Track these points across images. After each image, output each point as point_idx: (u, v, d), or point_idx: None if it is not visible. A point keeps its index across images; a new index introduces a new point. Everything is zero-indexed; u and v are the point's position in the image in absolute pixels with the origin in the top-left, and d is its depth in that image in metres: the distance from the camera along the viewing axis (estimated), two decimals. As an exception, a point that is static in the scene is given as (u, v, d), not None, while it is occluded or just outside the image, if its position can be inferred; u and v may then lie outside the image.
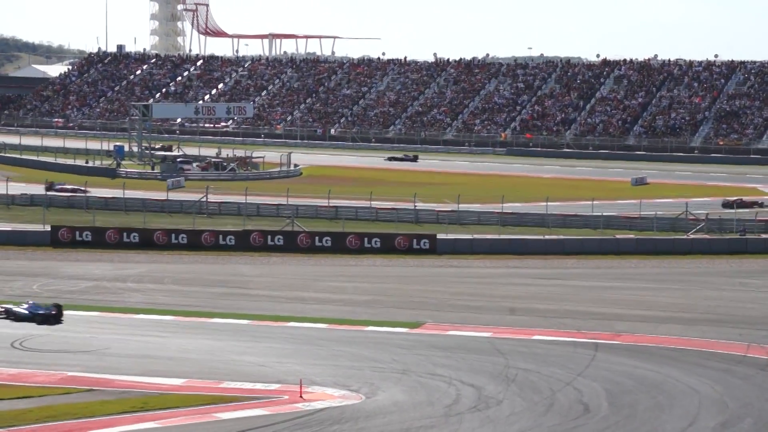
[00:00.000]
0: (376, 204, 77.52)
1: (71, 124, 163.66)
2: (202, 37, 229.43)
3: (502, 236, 67.32)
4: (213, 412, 32.57)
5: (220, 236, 65.94)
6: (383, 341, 41.71)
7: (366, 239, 65.33)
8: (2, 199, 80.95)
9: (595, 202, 75.52)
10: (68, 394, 34.37)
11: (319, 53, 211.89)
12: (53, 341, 41.51)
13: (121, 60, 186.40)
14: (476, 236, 67.55)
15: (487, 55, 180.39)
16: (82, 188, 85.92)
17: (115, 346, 40.66)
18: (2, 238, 66.10)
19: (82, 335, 42.56)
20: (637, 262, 62.11)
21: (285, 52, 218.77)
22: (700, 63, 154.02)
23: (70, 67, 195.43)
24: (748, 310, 48.39)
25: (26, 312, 44.79)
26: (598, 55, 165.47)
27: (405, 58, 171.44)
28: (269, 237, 65.80)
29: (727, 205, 79.84)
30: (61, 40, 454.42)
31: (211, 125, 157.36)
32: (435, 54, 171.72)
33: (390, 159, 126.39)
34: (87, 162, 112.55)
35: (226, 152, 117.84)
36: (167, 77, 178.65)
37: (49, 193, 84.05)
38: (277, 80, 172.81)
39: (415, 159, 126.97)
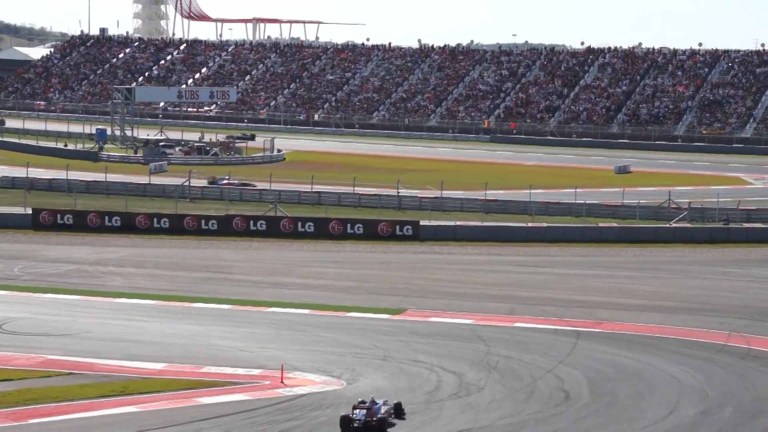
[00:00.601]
0: (359, 190, 77.43)
1: (53, 107, 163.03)
2: (186, 20, 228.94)
3: (485, 223, 67.31)
4: (194, 397, 32.47)
5: (203, 221, 65.76)
6: (365, 327, 41.67)
7: (349, 225, 65.25)
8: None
9: (578, 190, 75.58)
10: (48, 377, 34.22)
11: (303, 38, 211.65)
12: (33, 324, 41.31)
13: (103, 43, 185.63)
14: (459, 223, 67.53)
15: (472, 41, 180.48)
16: (250, 182, 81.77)
17: (96, 330, 40.52)
18: (-17, 221, 65.81)
19: (63, 318, 42.39)
20: (619, 251, 62.21)
21: (269, 37, 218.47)
22: (684, 51, 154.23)
23: (53, 50, 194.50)
24: (729, 299, 48.49)
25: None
26: (582, 43, 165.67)
27: (389, 44, 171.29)
28: (252, 222, 65.67)
29: None
30: (44, 23, 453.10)
31: (194, 109, 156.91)
32: (419, 40, 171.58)
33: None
34: (66, 145, 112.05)
35: (209, 137, 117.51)
36: (150, 61, 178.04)
37: (211, 186, 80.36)
38: (261, 65, 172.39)
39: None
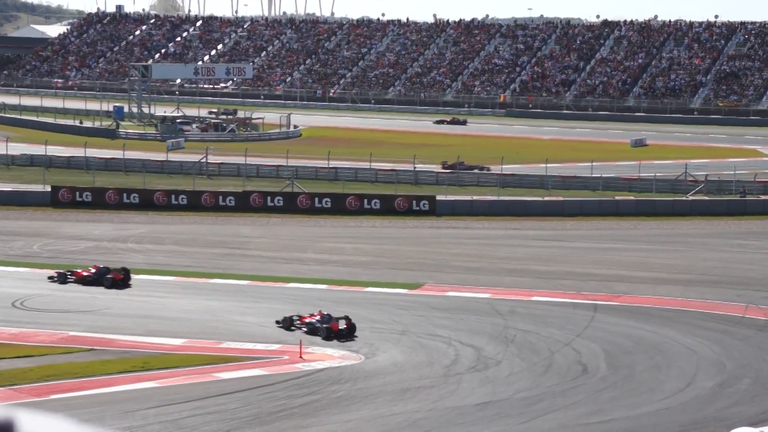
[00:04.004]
0: (375, 165, 77.49)
1: (70, 85, 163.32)
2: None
3: (502, 198, 67.35)
4: (213, 372, 32.72)
5: (220, 197, 65.96)
6: (383, 302, 41.84)
7: (365, 200, 65.34)
8: (2, 159, 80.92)
9: (594, 164, 75.50)
10: (69, 353, 34.53)
11: (318, 14, 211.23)
12: (54, 301, 41.62)
13: (120, 20, 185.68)
14: (475, 198, 67.58)
15: (487, 16, 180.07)
16: (485, 165, 78.70)
17: (116, 307, 40.79)
18: (2, 199, 66.11)
19: (83, 295, 42.65)
20: (636, 224, 62.18)
21: (284, 13, 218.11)
22: (700, 24, 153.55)
23: (69, 28, 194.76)
24: (746, 271, 48.50)
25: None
26: (598, 16, 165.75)
27: (406, 19, 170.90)
28: (269, 198, 65.82)
29: None
30: (60, 0, 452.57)
31: (211, 86, 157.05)
32: (435, 15, 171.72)
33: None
34: (82, 123, 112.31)
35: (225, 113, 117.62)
36: (166, 38, 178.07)
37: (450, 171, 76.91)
38: (277, 41, 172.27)
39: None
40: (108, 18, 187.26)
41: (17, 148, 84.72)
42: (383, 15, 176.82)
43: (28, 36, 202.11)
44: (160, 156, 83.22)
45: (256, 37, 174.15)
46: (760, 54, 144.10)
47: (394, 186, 70.89)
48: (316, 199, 65.65)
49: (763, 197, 68.96)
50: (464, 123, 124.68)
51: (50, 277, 44.59)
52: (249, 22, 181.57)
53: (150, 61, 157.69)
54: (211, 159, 79.67)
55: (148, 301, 41.98)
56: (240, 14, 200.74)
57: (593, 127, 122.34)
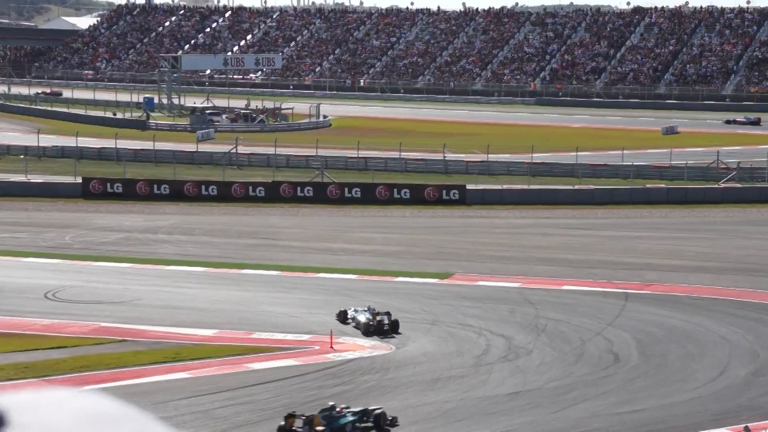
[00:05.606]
0: (405, 155, 77.39)
1: (101, 76, 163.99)
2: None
3: (532, 186, 67.14)
4: (244, 363, 32.79)
5: (250, 188, 66.04)
6: (413, 292, 41.80)
7: (395, 190, 65.27)
8: (34, 151, 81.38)
9: (625, 152, 75.15)
10: (101, 344, 34.69)
11: (347, 3, 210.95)
12: (86, 292, 41.81)
13: (149, 12, 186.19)
14: (506, 187, 67.39)
15: (516, 3, 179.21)
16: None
17: (147, 297, 40.92)
18: (34, 190, 66.55)
19: (114, 286, 42.84)
20: (667, 212, 61.86)
21: (313, 3, 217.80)
22: (732, 10, 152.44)
23: (99, 19, 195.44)
24: (779, 259, 48.17)
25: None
26: (628, 3, 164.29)
27: (437, 7, 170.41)
28: (299, 188, 65.86)
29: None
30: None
31: (240, 77, 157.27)
32: (464, 3, 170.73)
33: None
34: (114, 114, 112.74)
35: (255, 104, 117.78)
36: (196, 29, 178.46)
37: None
38: (306, 31, 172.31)
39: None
40: (138, 9, 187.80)
41: (48, 140, 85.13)
42: (412, 4, 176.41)
43: (59, 28, 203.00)
44: (190, 147, 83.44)
45: (285, 27, 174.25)
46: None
47: (424, 175, 70.80)
48: (346, 189, 65.63)
49: (795, 184, 68.36)
50: (758, 123, 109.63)
51: None
52: (278, 12, 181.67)
53: (179, 52, 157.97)
54: (241, 149, 79.81)
55: (179, 291, 42.10)
56: (269, 4, 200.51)
57: (624, 114, 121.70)
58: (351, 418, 26.08)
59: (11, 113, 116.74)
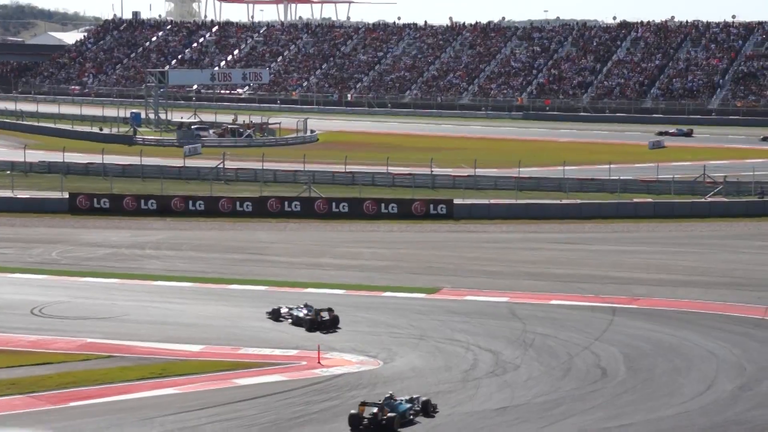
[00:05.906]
0: (392, 169, 77.48)
1: (87, 91, 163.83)
2: (217, 2, 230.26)
3: (519, 201, 67.22)
4: (231, 378, 32.70)
5: (237, 203, 66.02)
6: (400, 307, 41.78)
7: (383, 205, 65.32)
8: (20, 167, 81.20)
9: (612, 166, 75.29)
10: (88, 360, 34.56)
11: (334, 18, 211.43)
12: (72, 308, 41.68)
13: (136, 27, 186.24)
14: (493, 201, 67.49)
15: (503, 18, 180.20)
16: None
17: (134, 313, 40.83)
18: (21, 206, 66.36)
19: (101, 302, 42.71)
20: (654, 226, 61.99)
21: (300, 18, 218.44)
22: (717, 24, 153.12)
23: (86, 34, 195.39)
24: (766, 273, 48.26)
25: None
26: (614, 18, 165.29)
27: (425, 22, 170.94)
28: (286, 203, 65.86)
29: None
30: (77, 7, 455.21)
31: (227, 92, 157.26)
32: (451, 18, 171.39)
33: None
34: (101, 129, 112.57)
35: (242, 118, 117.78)
36: (182, 44, 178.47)
37: None
38: (293, 46, 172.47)
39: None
40: (124, 24, 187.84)
41: (35, 155, 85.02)
42: (399, 19, 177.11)
43: (45, 43, 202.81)
44: (177, 162, 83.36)
45: (273, 42, 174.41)
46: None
47: (412, 190, 70.86)
48: (334, 204, 65.65)
49: (782, 198, 68.54)
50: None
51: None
52: (265, 28, 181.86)
53: (166, 67, 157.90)
54: (228, 164, 79.79)
55: (166, 307, 42.00)
56: (256, 20, 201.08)
57: (611, 129, 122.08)
58: (407, 405, 28.60)
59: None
